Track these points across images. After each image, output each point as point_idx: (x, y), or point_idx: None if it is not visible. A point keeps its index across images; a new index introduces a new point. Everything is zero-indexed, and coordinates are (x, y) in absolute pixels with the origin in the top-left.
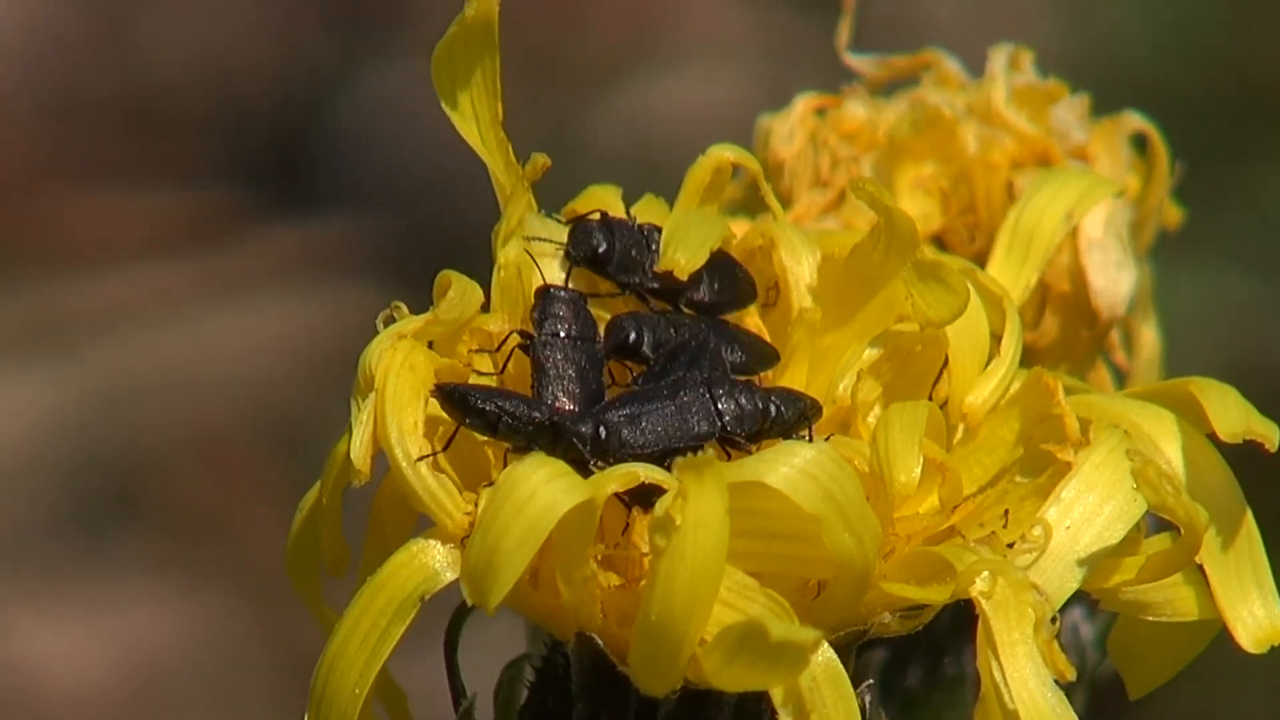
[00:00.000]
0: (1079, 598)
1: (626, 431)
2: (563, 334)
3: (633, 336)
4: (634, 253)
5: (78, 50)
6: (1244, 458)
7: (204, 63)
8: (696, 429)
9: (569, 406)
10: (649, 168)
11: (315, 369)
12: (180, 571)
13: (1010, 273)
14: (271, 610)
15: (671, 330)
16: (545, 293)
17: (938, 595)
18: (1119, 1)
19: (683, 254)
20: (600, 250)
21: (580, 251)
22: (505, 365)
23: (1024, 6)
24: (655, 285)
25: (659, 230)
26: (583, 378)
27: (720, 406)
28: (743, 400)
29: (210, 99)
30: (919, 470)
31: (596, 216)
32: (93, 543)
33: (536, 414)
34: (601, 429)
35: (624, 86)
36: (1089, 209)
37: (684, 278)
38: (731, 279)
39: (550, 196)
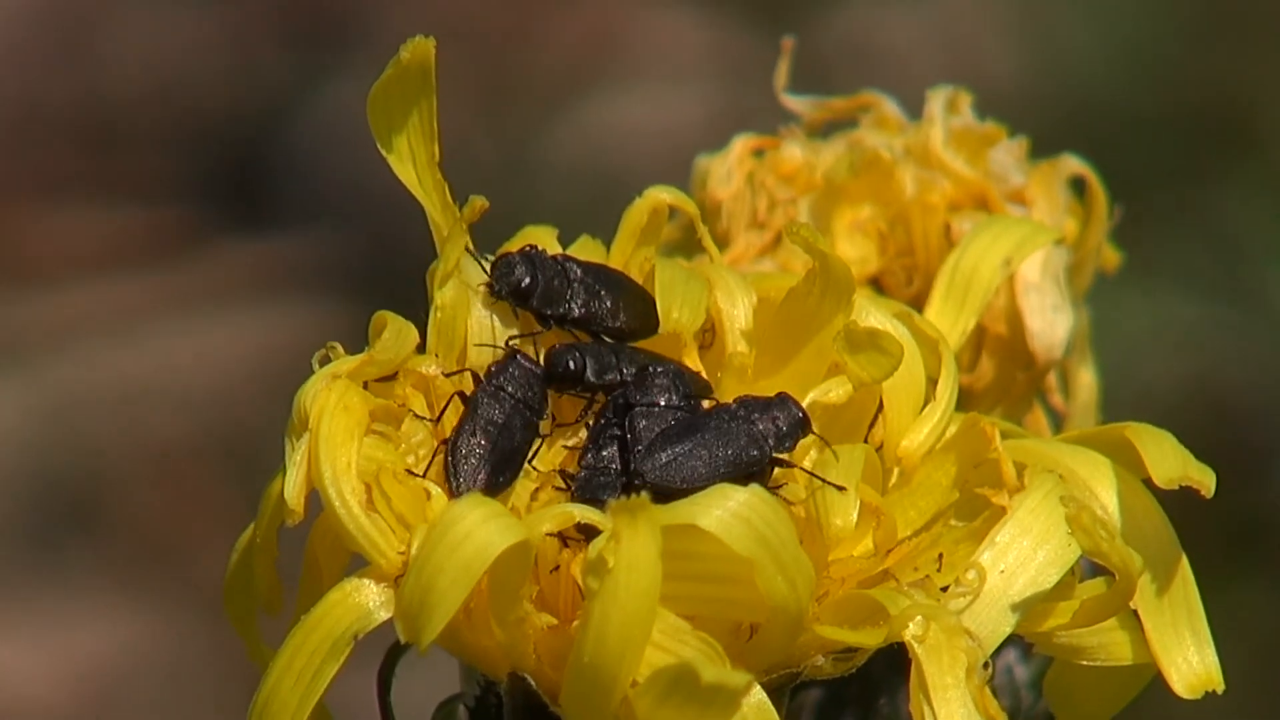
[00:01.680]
0: (1014, 640)
1: (669, 476)
2: (509, 390)
3: (573, 365)
4: (556, 283)
5: (35, 66)
6: (1180, 503)
7: (160, 79)
8: (746, 456)
9: (474, 463)
10: (607, 186)
11: (271, 385)
12: (135, 587)
13: (948, 318)
14: (225, 626)
15: (611, 357)
16: (514, 355)
17: (871, 639)
18: (1075, 23)
19: (686, 313)
20: (524, 284)
21: (504, 285)
22: (443, 413)
23: (980, 29)
24: (577, 315)
25: (578, 263)
26: (506, 432)
27: (760, 429)
28: (778, 417)
29: (167, 115)
30: (855, 515)
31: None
32: (47, 558)
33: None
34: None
35: (583, 106)
36: (1027, 256)
37: (690, 338)
38: (642, 306)
39: (507, 216)
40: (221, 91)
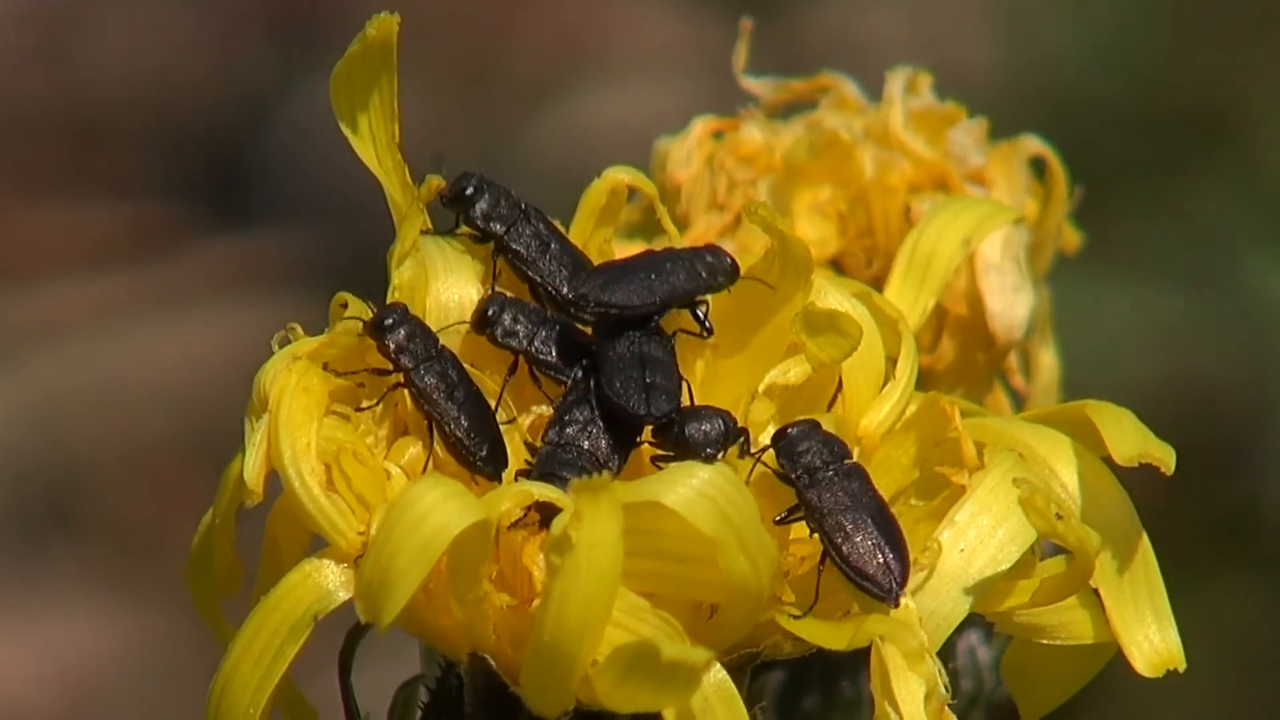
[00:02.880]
0: (977, 621)
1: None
2: (420, 351)
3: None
4: (505, 208)
5: (15, 64)
6: (1159, 497)
7: (141, 77)
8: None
9: (481, 436)
10: (586, 182)
11: (250, 383)
12: (116, 585)
13: (908, 297)
14: (206, 624)
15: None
16: (379, 325)
17: (835, 640)
18: (1057, 17)
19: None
20: (468, 191)
21: (451, 190)
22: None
23: (962, 22)
24: (517, 248)
25: (543, 217)
26: (465, 389)
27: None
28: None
29: (147, 113)
30: None
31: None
32: (28, 556)
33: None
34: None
35: (561, 100)
36: (987, 235)
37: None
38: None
39: None
40: (202, 90)
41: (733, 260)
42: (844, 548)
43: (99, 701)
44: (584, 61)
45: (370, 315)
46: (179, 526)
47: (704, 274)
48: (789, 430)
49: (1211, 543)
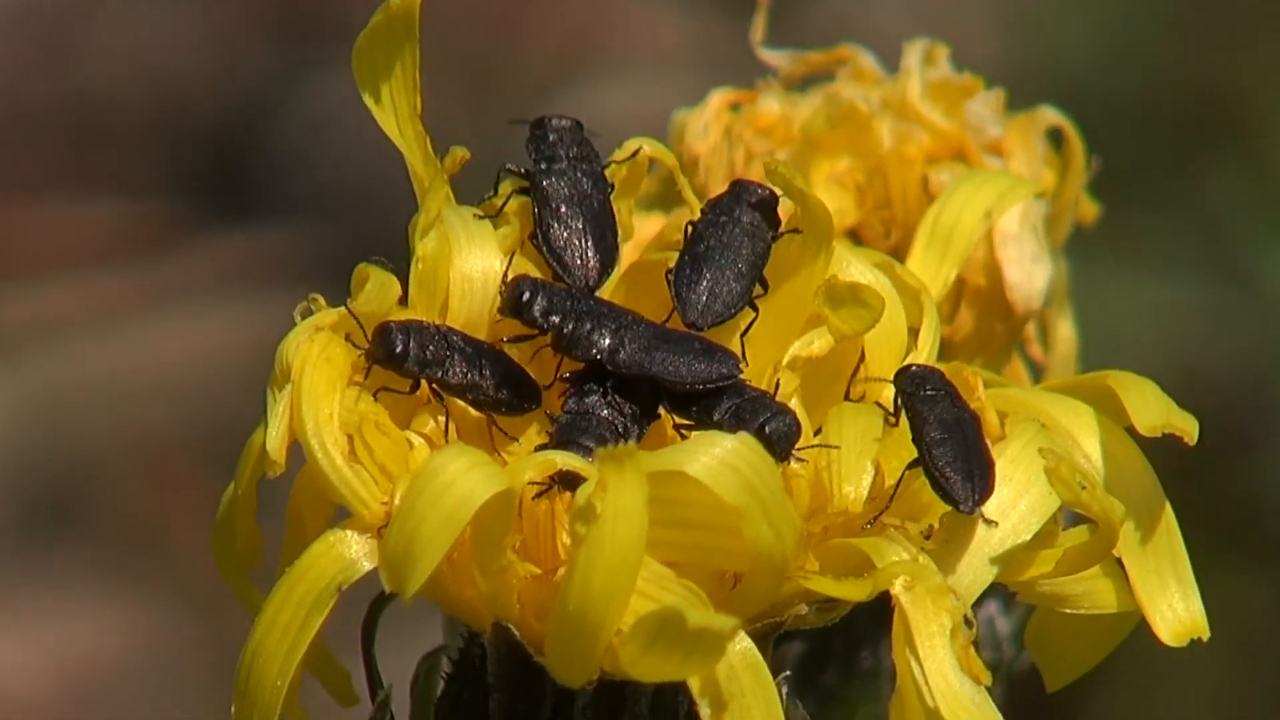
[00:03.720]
0: (996, 592)
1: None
2: (437, 354)
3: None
4: (569, 149)
5: (19, 62)
6: (1164, 452)
7: (145, 74)
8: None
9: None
10: None
11: (255, 378)
12: (122, 580)
13: (929, 269)
14: (214, 617)
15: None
16: (393, 357)
17: (856, 592)
18: (1062, 11)
19: None
20: (552, 121)
21: (534, 119)
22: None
23: (967, 16)
24: (546, 188)
25: (601, 178)
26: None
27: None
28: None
29: (151, 110)
30: (868, 484)
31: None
32: (34, 551)
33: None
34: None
35: (566, 96)
36: (1008, 208)
37: None
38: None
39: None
40: (206, 86)
41: (771, 191)
42: (935, 449)
43: (104, 697)
44: (589, 58)
45: (371, 346)
46: (184, 522)
47: (768, 227)
48: (911, 367)
49: (1219, 534)
